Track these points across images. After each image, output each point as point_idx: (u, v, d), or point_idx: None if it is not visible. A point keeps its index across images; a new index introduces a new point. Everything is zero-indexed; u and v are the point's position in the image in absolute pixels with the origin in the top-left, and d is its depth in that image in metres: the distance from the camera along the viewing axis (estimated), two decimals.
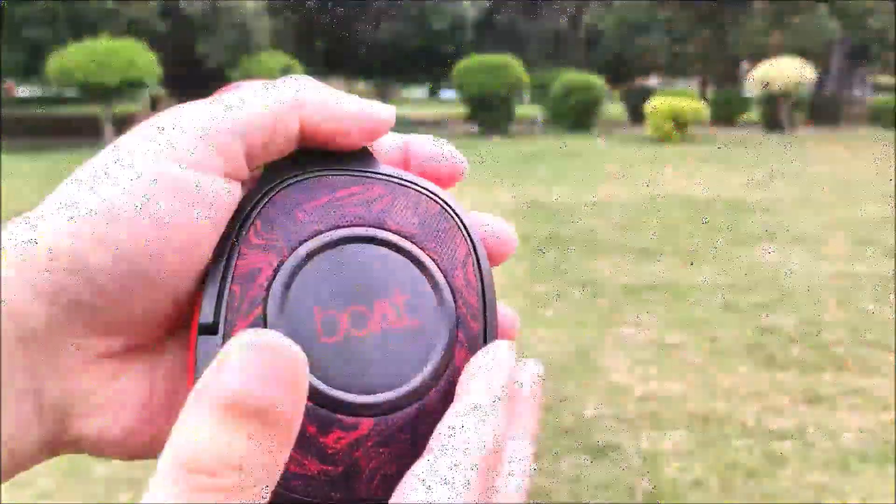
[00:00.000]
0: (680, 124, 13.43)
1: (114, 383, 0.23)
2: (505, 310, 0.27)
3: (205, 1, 15.16)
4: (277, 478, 0.18)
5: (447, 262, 0.25)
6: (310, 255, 0.23)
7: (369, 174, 0.25)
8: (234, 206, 0.24)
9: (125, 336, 0.23)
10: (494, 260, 0.27)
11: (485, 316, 0.25)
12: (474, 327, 0.25)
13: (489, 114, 15.52)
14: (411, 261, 0.24)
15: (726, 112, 18.47)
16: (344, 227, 0.24)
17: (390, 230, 0.24)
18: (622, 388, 2.71)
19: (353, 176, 0.25)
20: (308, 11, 18.72)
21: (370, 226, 0.24)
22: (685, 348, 3.12)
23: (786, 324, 3.39)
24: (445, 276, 0.25)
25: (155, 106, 18.71)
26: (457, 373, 0.24)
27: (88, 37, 13.40)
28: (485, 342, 0.25)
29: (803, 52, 17.55)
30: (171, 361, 0.25)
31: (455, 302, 0.24)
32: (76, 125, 18.18)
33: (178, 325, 0.25)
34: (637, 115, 18.06)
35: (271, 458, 0.18)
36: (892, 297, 3.75)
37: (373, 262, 0.24)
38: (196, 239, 0.23)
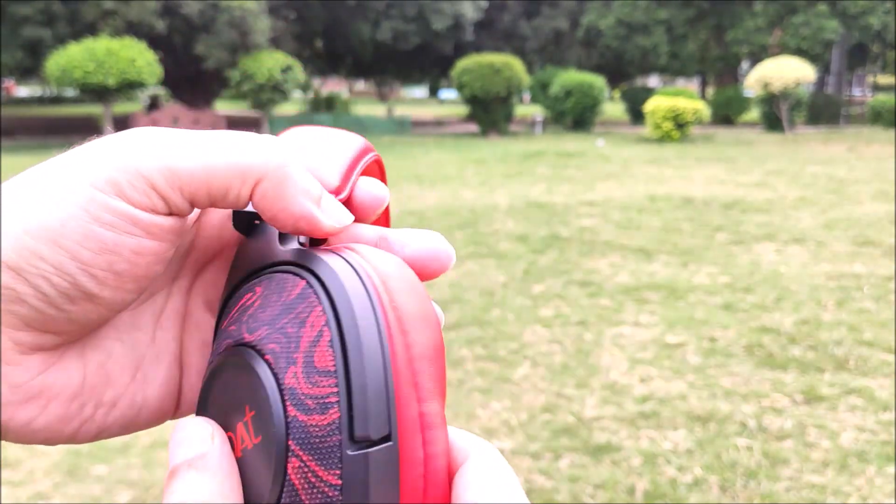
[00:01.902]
0: (680, 124, 13.44)
1: (44, 376, 0.23)
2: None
3: (204, 0, 15.15)
4: None
5: (283, 359, 0.22)
6: (211, 376, 0.24)
7: (278, 265, 0.25)
8: (176, 236, 0.24)
9: (60, 336, 0.24)
10: (430, 276, 0.25)
11: (350, 398, 0.20)
12: (320, 420, 0.20)
13: (489, 114, 15.53)
14: (251, 372, 0.22)
15: (726, 112, 18.48)
16: (228, 346, 0.24)
17: (245, 343, 0.23)
18: (622, 388, 2.71)
19: (268, 273, 0.25)
20: (308, 11, 18.72)
21: (236, 343, 0.24)
22: (685, 348, 3.12)
23: (785, 324, 3.39)
24: (276, 378, 0.22)
25: (155, 106, 18.71)
26: (293, 487, 0.21)
27: (88, 37, 13.40)
28: (350, 429, 0.20)
29: (803, 52, 17.56)
30: (105, 355, 0.25)
31: (284, 405, 0.21)
32: (76, 125, 18.19)
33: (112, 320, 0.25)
34: (637, 115, 18.07)
35: None
36: (892, 297, 3.75)
37: (234, 382, 0.23)
38: (136, 263, 0.23)
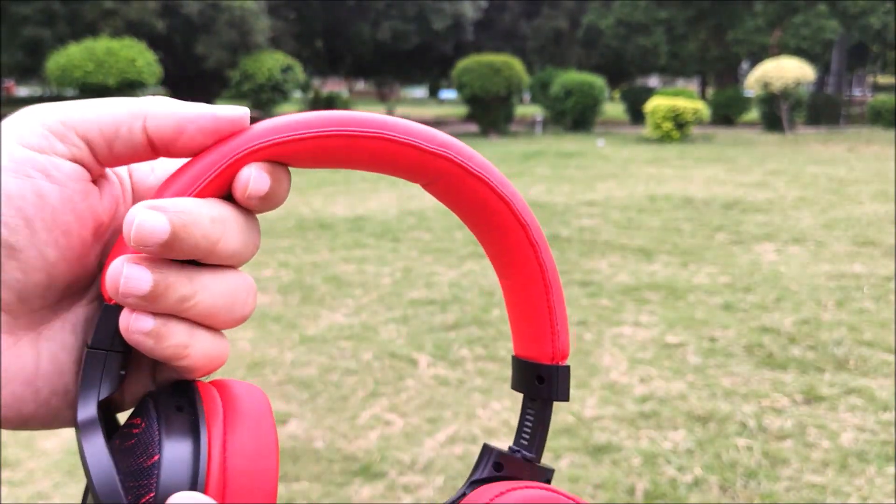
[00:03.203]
0: (680, 124, 13.44)
1: None
2: None
3: (204, 0, 15.15)
4: None
5: None
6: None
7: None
8: (86, 191, 0.25)
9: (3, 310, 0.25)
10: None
11: None
12: None
13: (489, 114, 15.52)
14: None
15: (726, 112, 18.48)
16: None
17: None
18: (622, 388, 2.71)
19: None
20: (308, 10, 18.72)
21: None
22: (685, 348, 3.12)
23: (785, 324, 3.39)
24: None
25: None
26: None
27: (88, 37, 13.40)
28: None
29: (803, 52, 17.56)
30: (58, 346, 0.26)
31: None
32: None
33: (61, 310, 0.26)
34: (637, 115, 18.07)
35: None
36: (892, 297, 3.75)
37: None
38: (42, 208, 0.24)
